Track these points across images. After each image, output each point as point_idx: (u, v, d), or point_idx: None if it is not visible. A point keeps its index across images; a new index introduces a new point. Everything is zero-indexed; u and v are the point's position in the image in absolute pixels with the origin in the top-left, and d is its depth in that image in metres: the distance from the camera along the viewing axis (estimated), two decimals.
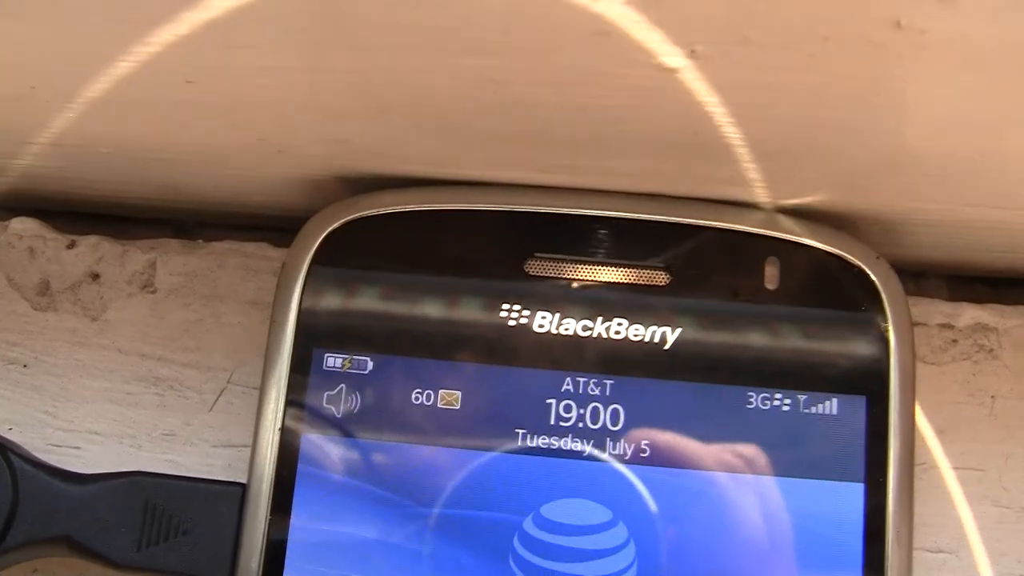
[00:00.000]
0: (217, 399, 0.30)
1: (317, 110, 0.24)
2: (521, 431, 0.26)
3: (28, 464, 0.27)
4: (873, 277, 0.27)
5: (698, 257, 0.27)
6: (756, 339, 0.27)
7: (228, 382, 0.30)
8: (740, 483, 0.26)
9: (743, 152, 0.24)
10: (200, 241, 0.31)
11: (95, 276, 0.31)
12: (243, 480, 0.27)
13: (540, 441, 0.26)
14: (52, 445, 0.30)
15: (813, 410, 0.26)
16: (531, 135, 0.24)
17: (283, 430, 0.26)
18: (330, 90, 0.23)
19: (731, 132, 0.23)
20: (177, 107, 0.24)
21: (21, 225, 0.31)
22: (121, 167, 0.29)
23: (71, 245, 0.31)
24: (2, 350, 0.30)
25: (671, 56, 0.21)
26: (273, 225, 0.32)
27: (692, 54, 0.21)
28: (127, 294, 0.31)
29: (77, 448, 0.30)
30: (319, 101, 0.24)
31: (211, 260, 0.31)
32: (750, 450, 0.26)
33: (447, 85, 0.22)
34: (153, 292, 0.30)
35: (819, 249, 0.27)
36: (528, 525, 0.26)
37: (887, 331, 0.26)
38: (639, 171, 0.26)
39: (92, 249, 0.31)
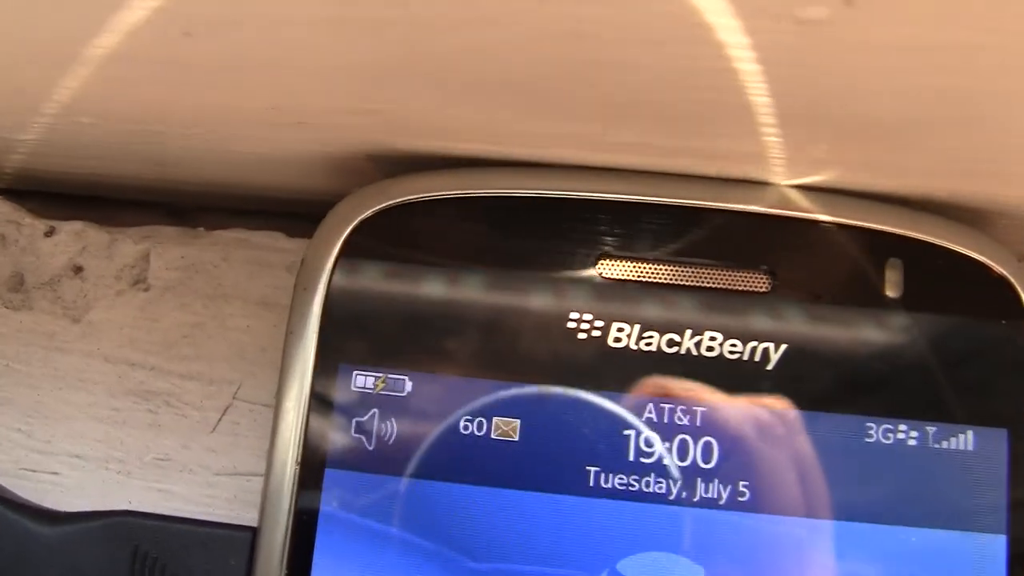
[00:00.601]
0: (220, 418, 0.25)
1: (345, 71, 0.19)
2: (593, 469, 0.21)
3: None
4: (1017, 286, 0.22)
5: (806, 258, 0.22)
6: (876, 358, 0.22)
7: (234, 398, 0.25)
8: (858, 534, 0.21)
9: (854, 126, 0.19)
10: (201, 229, 0.26)
11: (78, 269, 0.26)
12: (253, 523, 0.22)
13: (616, 482, 0.21)
14: (25, 470, 0.25)
15: (944, 445, 0.21)
16: (612, 105, 0.19)
17: (302, 464, 0.21)
18: (362, 46, 0.18)
19: (860, 106, 0.18)
20: (172, 66, 0.19)
21: None
22: (106, 141, 0.24)
23: (50, 232, 0.26)
24: None
25: (813, 5, 0.16)
26: (286, 211, 0.27)
27: (848, 2, 0.16)
28: (115, 291, 0.26)
29: (55, 474, 0.25)
30: (348, 60, 0.19)
31: (214, 252, 0.26)
32: (870, 493, 0.21)
33: (515, 38, 0.17)
34: (146, 289, 0.26)
35: (951, 251, 0.22)
36: None
37: None
38: (739, 153, 0.21)
39: (74, 237, 0.26)
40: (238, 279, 0.26)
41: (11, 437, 0.25)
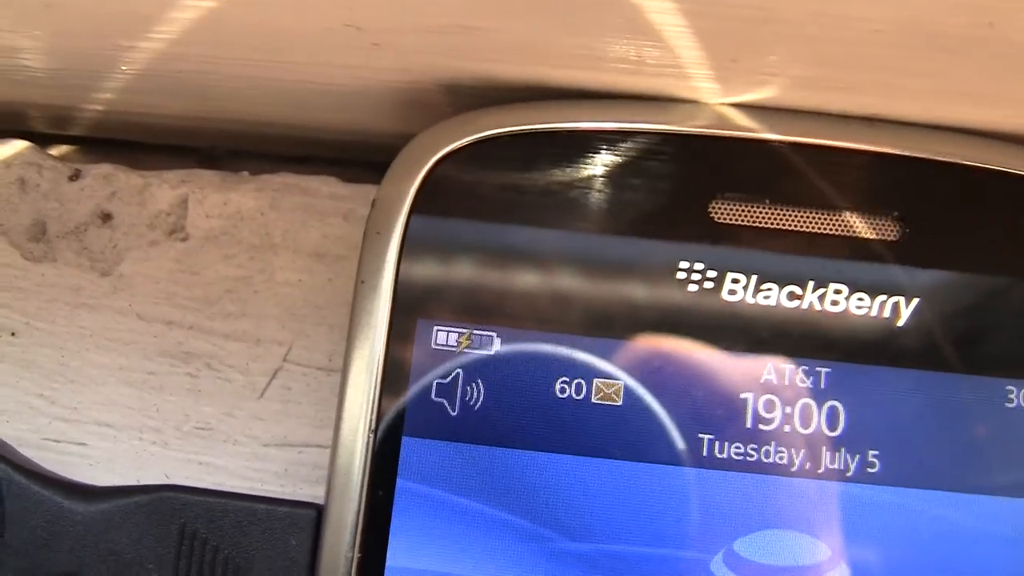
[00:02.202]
0: (269, 383, 0.22)
1: None
2: (706, 437, 0.19)
3: (19, 473, 0.20)
4: None
5: (942, 204, 0.20)
6: (1017, 315, 0.19)
7: (284, 360, 0.22)
8: (1002, 508, 0.19)
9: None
10: (245, 174, 0.23)
11: (106, 217, 0.23)
12: (307, 500, 0.19)
13: (733, 451, 0.19)
14: (48, 440, 0.22)
15: None
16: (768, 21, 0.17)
17: (377, 432, 0.18)
18: None
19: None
20: None
21: (9, 150, 0.23)
22: (146, 70, 0.21)
23: (75, 176, 0.23)
24: None
25: None
26: (336, 156, 0.24)
27: None
28: (149, 241, 0.23)
29: (82, 444, 0.22)
30: None
31: (260, 198, 0.23)
32: (1012, 465, 0.19)
33: None
34: (184, 239, 0.23)
35: None
36: (717, 566, 0.18)
37: None
38: (866, 84, 0.19)
39: (102, 181, 0.23)
40: (288, 228, 0.23)
41: (33, 404, 0.23)
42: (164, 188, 0.23)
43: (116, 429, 0.22)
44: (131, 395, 0.23)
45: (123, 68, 0.21)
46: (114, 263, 0.23)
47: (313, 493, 0.22)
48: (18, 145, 0.24)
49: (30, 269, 0.23)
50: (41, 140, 0.24)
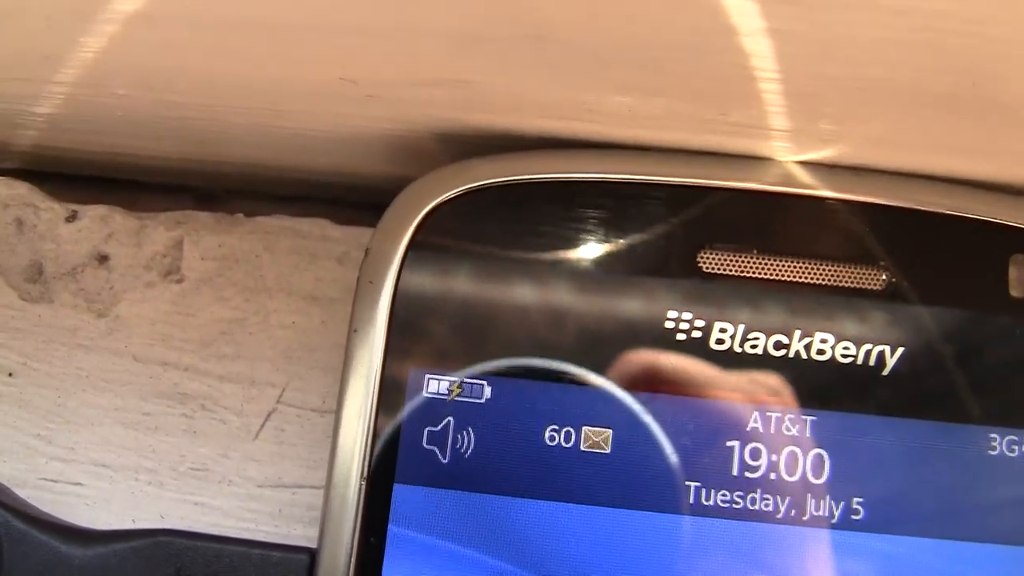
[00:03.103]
0: (264, 424, 0.22)
1: (431, 37, 0.17)
2: (693, 485, 0.19)
3: (17, 518, 0.20)
4: None
5: (926, 254, 0.20)
6: (999, 364, 0.20)
7: (278, 402, 0.23)
8: (982, 556, 0.19)
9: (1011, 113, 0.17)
10: (239, 216, 0.24)
11: (103, 258, 0.23)
12: (301, 541, 0.20)
13: (719, 498, 0.19)
14: (45, 480, 0.23)
15: None
16: (738, 80, 0.17)
17: (368, 479, 0.19)
18: (455, 9, 0.16)
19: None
20: (227, 28, 0.17)
21: (7, 190, 0.24)
22: (140, 115, 0.22)
23: (71, 217, 0.23)
24: None
25: None
26: (330, 196, 0.25)
27: None
28: (145, 283, 0.23)
29: (78, 484, 0.22)
30: (436, 24, 0.16)
31: (254, 241, 0.23)
32: (995, 511, 0.19)
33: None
34: (179, 281, 0.23)
35: None
36: None
37: None
38: (854, 136, 0.19)
39: (99, 223, 0.23)
40: (282, 271, 0.23)
41: (29, 444, 0.23)
42: (160, 230, 0.24)
43: (112, 469, 0.23)
44: (127, 436, 0.23)
45: (119, 114, 0.21)
46: (110, 304, 0.23)
47: (307, 534, 0.22)
48: (16, 185, 0.24)
49: (27, 310, 0.24)
50: (37, 178, 0.25)
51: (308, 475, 0.22)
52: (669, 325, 0.20)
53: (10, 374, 0.23)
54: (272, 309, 0.23)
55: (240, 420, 0.23)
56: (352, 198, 0.24)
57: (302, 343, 0.23)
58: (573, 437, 0.19)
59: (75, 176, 0.26)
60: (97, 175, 0.26)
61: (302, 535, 0.22)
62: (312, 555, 0.20)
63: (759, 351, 0.20)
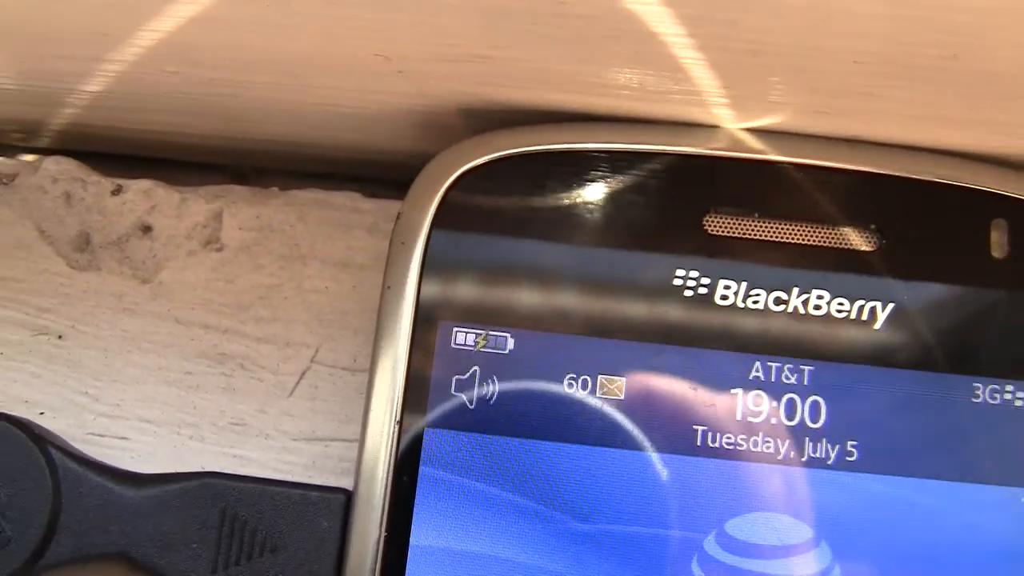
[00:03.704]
0: (298, 382, 0.24)
1: (465, 11, 0.18)
2: (700, 428, 0.21)
3: (73, 461, 0.21)
4: None
5: (913, 218, 0.22)
6: (982, 318, 0.21)
7: (312, 361, 0.24)
8: (968, 494, 0.21)
9: (991, 86, 0.19)
10: (275, 189, 0.25)
11: (147, 229, 0.25)
12: (345, 484, 0.21)
13: (724, 441, 0.21)
14: (92, 435, 0.24)
15: None
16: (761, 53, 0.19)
17: (401, 423, 0.20)
18: None
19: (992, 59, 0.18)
20: (278, 7, 0.19)
21: (56, 166, 0.25)
22: (184, 93, 0.23)
23: (117, 191, 0.25)
24: (31, 317, 0.25)
25: None
26: (359, 173, 0.26)
27: None
28: (186, 251, 0.25)
29: (124, 439, 0.24)
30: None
31: (289, 212, 0.25)
32: (978, 454, 0.21)
33: None
34: (219, 249, 0.25)
35: None
36: (709, 545, 0.20)
37: None
38: (848, 109, 0.21)
39: (143, 196, 0.25)
40: (315, 240, 0.25)
41: (78, 401, 0.24)
42: (200, 202, 0.25)
43: (156, 425, 0.24)
44: (170, 393, 0.24)
45: (164, 92, 0.23)
46: (154, 271, 0.25)
47: (338, 483, 0.23)
48: (64, 162, 0.26)
49: (76, 277, 0.25)
50: (85, 158, 0.26)
51: (340, 429, 0.24)
52: (677, 282, 0.21)
53: (60, 337, 0.25)
54: (306, 275, 0.25)
55: (276, 378, 0.24)
56: (380, 174, 0.26)
57: (334, 307, 0.25)
58: (589, 385, 0.21)
59: (115, 155, 0.27)
60: (135, 154, 0.27)
61: (334, 484, 0.23)
62: (348, 495, 0.21)
63: (760, 306, 0.21)
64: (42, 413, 0.24)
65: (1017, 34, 0.17)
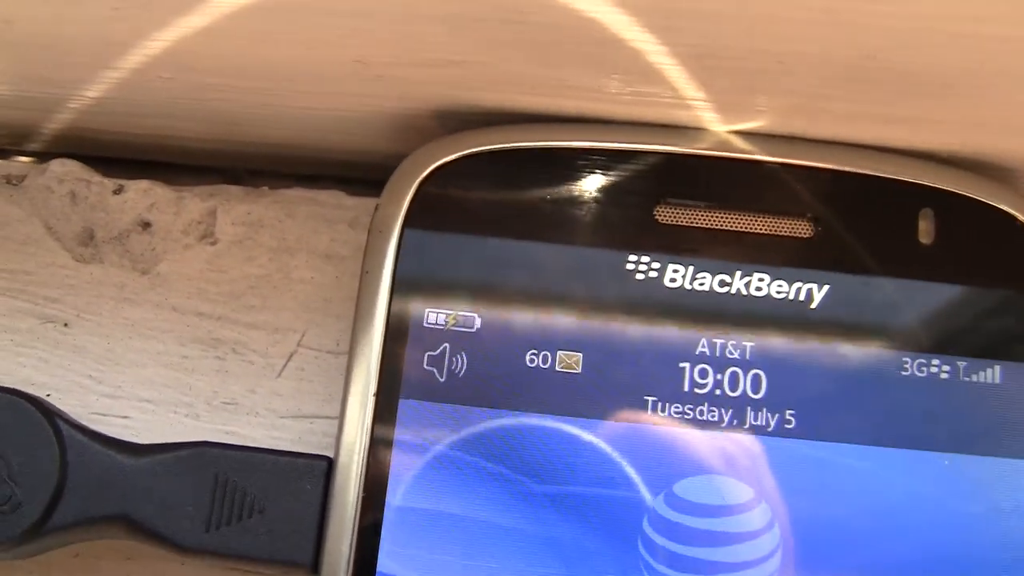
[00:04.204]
0: (286, 364, 0.26)
1: (432, 22, 0.21)
2: (651, 399, 0.23)
3: (78, 432, 0.23)
4: None
5: (845, 207, 0.24)
6: (910, 299, 0.23)
7: (298, 345, 0.26)
8: (896, 458, 0.23)
9: (906, 85, 0.21)
10: (265, 188, 0.28)
11: (146, 225, 0.27)
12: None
13: (672, 410, 0.23)
14: (96, 414, 0.26)
15: (974, 378, 0.23)
16: (695, 56, 0.21)
17: (379, 395, 0.22)
18: None
19: (905, 57, 0.20)
20: (266, 16, 0.21)
21: (61, 167, 0.28)
22: (179, 98, 0.25)
23: (118, 190, 0.27)
24: (39, 307, 0.27)
25: None
26: (344, 175, 0.29)
27: None
28: (183, 245, 0.27)
29: (125, 417, 0.26)
30: (438, 10, 0.20)
31: (278, 209, 0.27)
32: (905, 422, 0.23)
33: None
34: (213, 243, 0.27)
35: (978, 201, 0.24)
36: (659, 505, 0.22)
37: None
38: (783, 109, 0.23)
39: (142, 195, 0.27)
40: (302, 234, 0.27)
41: (83, 383, 0.26)
42: (196, 200, 0.27)
43: (154, 404, 0.26)
44: (168, 375, 0.27)
45: (160, 97, 0.25)
46: (153, 264, 0.27)
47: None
48: (69, 164, 0.28)
49: (80, 269, 0.27)
50: (88, 161, 0.28)
51: (324, 407, 0.26)
52: (630, 267, 0.24)
53: (66, 324, 0.27)
54: (293, 266, 0.27)
55: (265, 361, 0.26)
56: (361, 175, 0.28)
57: (319, 295, 0.27)
58: (549, 359, 0.23)
59: (114, 159, 0.30)
60: (133, 158, 0.30)
61: None
62: (330, 461, 0.23)
63: (706, 288, 0.24)
64: (49, 395, 0.26)
65: (930, 36, 0.20)
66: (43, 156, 0.29)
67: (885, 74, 0.21)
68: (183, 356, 0.26)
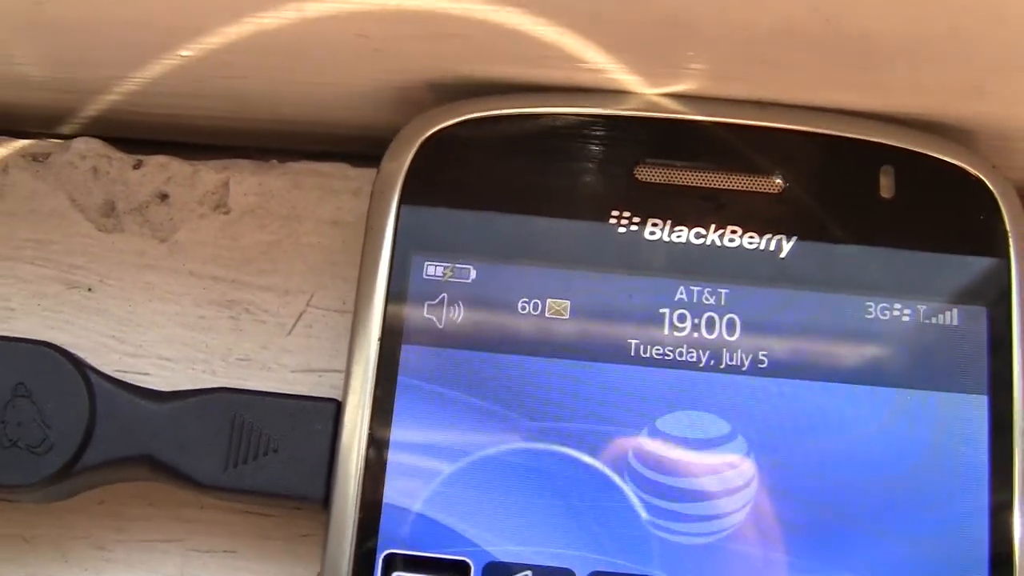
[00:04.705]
0: (296, 323, 0.28)
1: None
2: (634, 342, 0.25)
3: (106, 380, 0.25)
4: (991, 187, 0.26)
5: (812, 165, 0.26)
6: (872, 249, 0.25)
7: (307, 305, 0.28)
8: (860, 394, 0.25)
9: (861, 50, 0.23)
10: (274, 162, 0.30)
11: (164, 196, 0.29)
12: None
13: (654, 352, 0.25)
14: (119, 371, 0.28)
15: (933, 320, 0.25)
16: (669, 25, 0.23)
17: (382, 341, 0.24)
18: None
19: (857, 23, 0.22)
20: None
21: (84, 145, 0.30)
22: (194, 76, 0.27)
23: (137, 165, 0.29)
24: (65, 273, 0.29)
25: None
26: (347, 150, 0.31)
27: None
28: (198, 215, 0.29)
29: (146, 374, 0.28)
30: None
31: (287, 180, 0.29)
32: (870, 361, 0.25)
33: None
34: (226, 213, 0.29)
35: (934, 158, 0.26)
36: (643, 437, 0.24)
37: (1007, 242, 0.25)
38: (754, 76, 0.25)
39: (160, 169, 0.29)
40: (309, 202, 0.29)
41: (106, 343, 0.28)
42: (210, 173, 0.30)
43: (174, 362, 0.28)
44: (185, 335, 0.29)
45: (181, 76, 0.27)
46: (171, 232, 0.29)
47: None
48: (91, 142, 0.30)
49: (103, 239, 0.29)
50: (110, 142, 0.31)
51: (331, 362, 0.28)
52: (613, 221, 0.26)
53: (89, 289, 0.29)
54: (302, 232, 0.29)
55: (276, 320, 0.28)
56: (362, 150, 0.30)
57: (326, 259, 0.29)
58: (540, 307, 0.25)
59: (136, 140, 0.32)
60: (144, 138, 0.32)
61: None
62: (338, 403, 0.25)
63: (683, 240, 0.26)
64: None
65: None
66: (64, 137, 0.31)
67: (843, 39, 0.23)
68: (200, 316, 0.28)
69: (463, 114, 0.26)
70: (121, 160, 0.30)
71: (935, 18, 0.22)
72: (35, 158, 0.30)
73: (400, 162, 0.25)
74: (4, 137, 0.30)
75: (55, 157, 0.30)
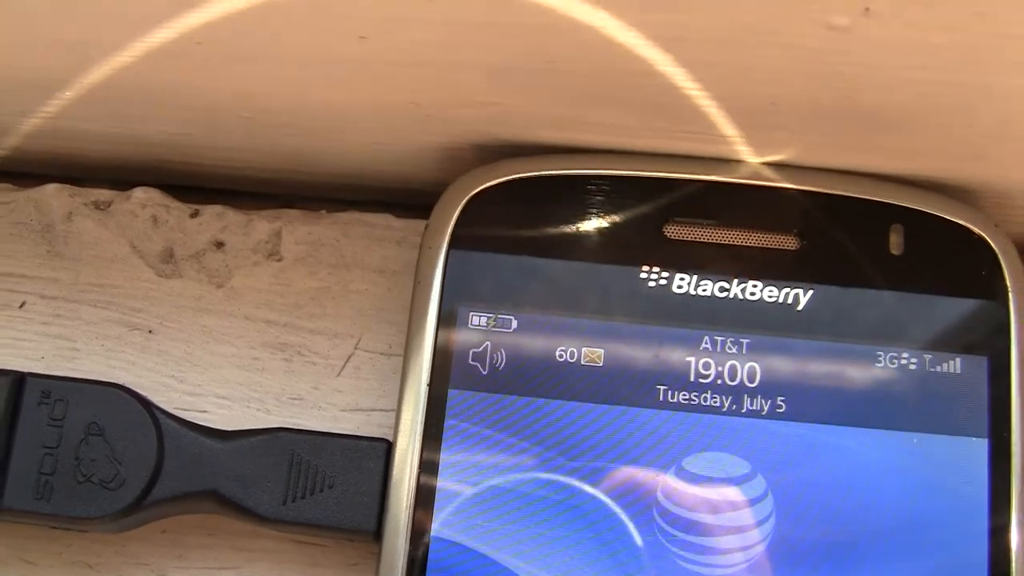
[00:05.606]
0: (345, 364, 0.30)
1: (477, 69, 0.25)
2: (662, 387, 0.27)
3: (172, 420, 0.27)
4: (993, 245, 0.28)
5: (827, 223, 0.28)
6: (883, 301, 0.28)
7: (355, 348, 0.30)
8: (870, 437, 0.27)
9: (874, 119, 0.25)
10: (323, 212, 0.32)
11: (219, 244, 0.31)
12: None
13: (681, 397, 0.27)
14: (179, 409, 0.30)
15: (938, 369, 0.27)
16: (684, 102, 0.25)
17: (431, 386, 0.27)
18: (501, 46, 0.24)
19: (872, 96, 0.24)
20: (344, 65, 0.25)
21: (144, 194, 0.32)
22: (254, 134, 0.30)
23: (194, 214, 0.32)
24: (126, 316, 0.31)
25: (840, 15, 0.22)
26: (392, 200, 0.33)
27: (866, 12, 0.22)
28: (252, 262, 0.31)
29: (204, 412, 0.30)
30: (484, 59, 0.24)
31: (336, 230, 0.31)
32: (879, 406, 0.27)
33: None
34: (279, 260, 0.31)
35: (940, 218, 0.28)
36: (670, 475, 0.26)
37: (1007, 296, 0.27)
38: (775, 142, 0.27)
39: (216, 218, 0.31)
40: (357, 251, 0.31)
41: (166, 383, 0.31)
42: (263, 223, 0.32)
43: (230, 400, 0.30)
44: (241, 375, 0.31)
45: (241, 133, 0.30)
46: (226, 278, 0.31)
47: None
48: (151, 191, 0.32)
49: (162, 283, 0.32)
50: (167, 190, 0.33)
51: (379, 402, 0.30)
52: (643, 276, 0.28)
53: (150, 331, 0.31)
54: (350, 280, 0.31)
55: (327, 362, 0.31)
56: (407, 200, 0.32)
57: (373, 304, 0.31)
58: (576, 354, 0.27)
59: (191, 188, 0.34)
60: (208, 187, 0.34)
61: None
62: (389, 443, 0.27)
63: (708, 293, 0.28)
64: None
65: (888, 77, 0.24)
66: (123, 185, 0.33)
67: (858, 112, 0.26)
68: (254, 358, 0.31)
69: (506, 175, 0.28)
70: (179, 209, 0.32)
71: (928, 95, 0.24)
72: (97, 206, 0.32)
73: (447, 220, 0.27)
74: (67, 185, 0.32)
75: (116, 205, 0.32)
